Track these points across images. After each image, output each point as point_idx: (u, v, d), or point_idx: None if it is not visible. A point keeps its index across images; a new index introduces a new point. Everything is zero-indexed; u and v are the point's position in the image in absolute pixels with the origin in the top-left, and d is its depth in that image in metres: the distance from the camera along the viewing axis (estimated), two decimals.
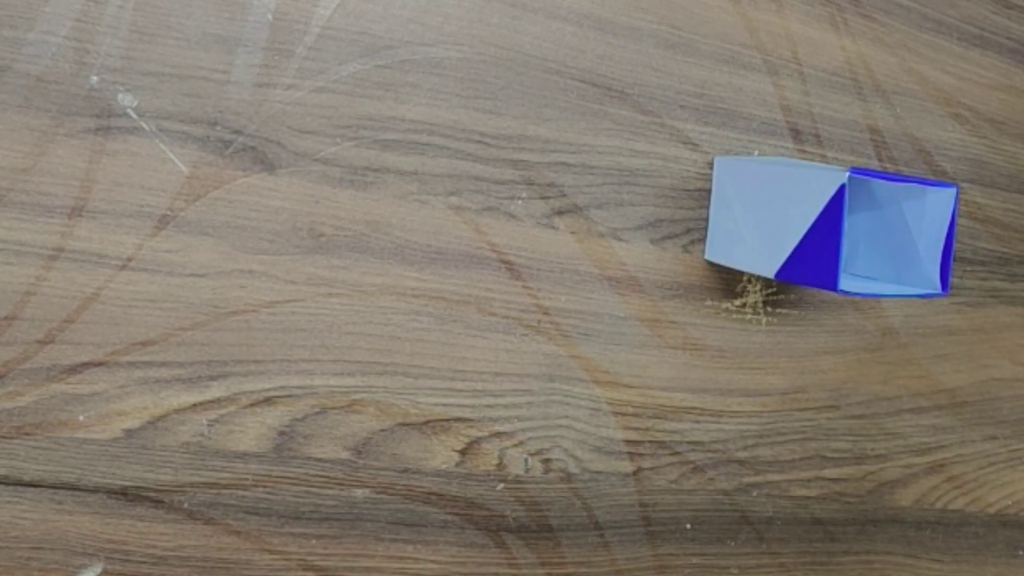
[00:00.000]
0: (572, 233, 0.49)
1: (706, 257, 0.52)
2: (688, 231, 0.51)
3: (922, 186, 0.44)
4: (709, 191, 0.51)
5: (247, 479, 0.44)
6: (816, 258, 0.43)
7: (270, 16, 0.42)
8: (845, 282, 0.44)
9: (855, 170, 0.42)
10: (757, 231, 0.48)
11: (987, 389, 0.61)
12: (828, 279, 0.43)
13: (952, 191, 0.44)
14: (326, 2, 0.43)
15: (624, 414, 0.51)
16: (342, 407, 0.45)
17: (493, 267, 0.47)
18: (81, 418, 0.41)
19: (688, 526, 0.54)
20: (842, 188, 0.42)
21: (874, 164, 0.56)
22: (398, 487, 0.47)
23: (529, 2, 0.47)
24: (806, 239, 0.44)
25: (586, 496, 0.51)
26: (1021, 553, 0.63)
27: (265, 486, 0.44)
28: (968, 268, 0.59)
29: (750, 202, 0.48)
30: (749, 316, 0.54)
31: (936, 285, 0.45)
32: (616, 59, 0.49)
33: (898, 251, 0.47)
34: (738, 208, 0.49)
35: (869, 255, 0.48)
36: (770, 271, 0.46)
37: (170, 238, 0.42)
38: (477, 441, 0.48)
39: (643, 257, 0.50)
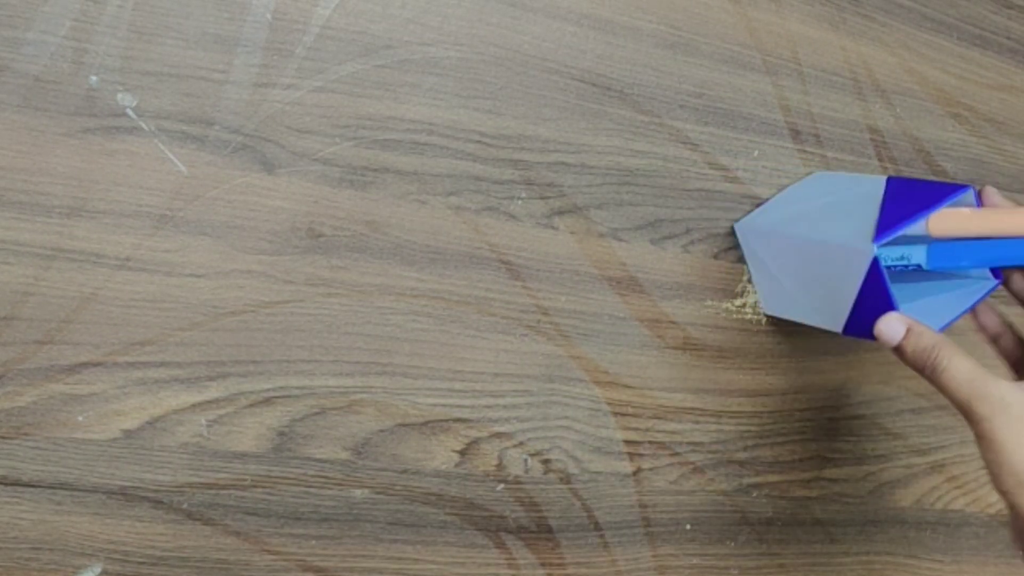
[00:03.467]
0: (572, 233, 0.49)
1: (765, 312, 0.52)
2: (688, 231, 0.51)
3: (939, 202, 0.44)
4: (709, 191, 0.51)
5: (246, 479, 0.44)
6: (874, 318, 0.43)
7: (269, 16, 0.42)
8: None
9: (879, 236, 0.41)
10: (806, 295, 0.47)
11: None
12: None
13: (968, 191, 0.44)
14: (325, 2, 0.43)
15: (624, 414, 0.51)
16: (341, 407, 0.45)
17: (493, 267, 0.47)
18: (80, 418, 0.41)
19: (688, 527, 0.54)
20: (875, 260, 0.41)
21: (874, 164, 0.56)
22: (397, 487, 0.47)
23: (529, 2, 0.47)
24: (859, 302, 0.43)
25: (586, 497, 0.51)
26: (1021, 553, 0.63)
27: (264, 486, 0.44)
28: None
29: (788, 270, 0.48)
30: (749, 316, 0.53)
31: (990, 276, 0.45)
32: (616, 59, 0.49)
33: (951, 290, 0.46)
34: (777, 272, 0.49)
35: (925, 302, 0.47)
36: (837, 328, 0.46)
37: (168, 238, 0.42)
38: (476, 442, 0.48)
39: (643, 257, 0.50)
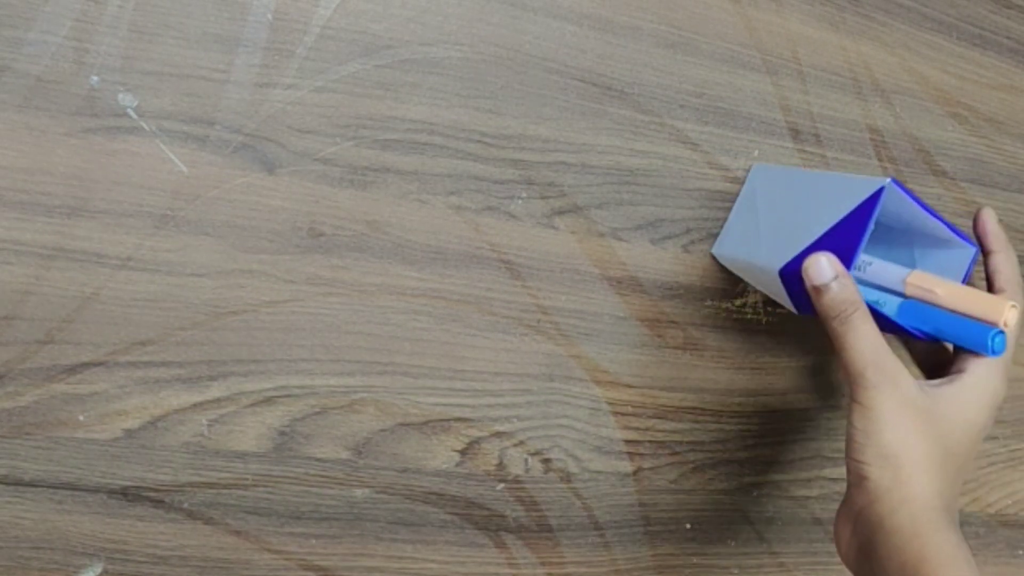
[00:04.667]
0: (572, 233, 0.49)
1: (712, 251, 0.51)
2: (688, 231, 0.51)
3: (946, 232, 0.43)
4: (709, 191, 0.51)
5: (247, 479, 0.44)
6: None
7: (270, 16, 0.42)
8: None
9: (896, 181, 0.41)
10: (775, 230, 0.47)
11: None
12: None
13: (972, 250, 0.44)
14: (326, 2, 0.43)
15: (624, 414, 0.51)
16: (342, 407, 0.45)
17: (493, 267, 0.47)
18: (81, 418, 0.41)
19: (688, 526, 0.54)
20: (878, 192, 0.41)
21: (874, 164, 0.56)
22: (398, 487, 0.47)
23: (529, 2, 0.47)
24: (823, 238, 0.43)
25: (586, 496, 0.51)
26: (1021, 553, 0.63)
27: (265, 486, 0.44)
28: None
29: (776, 203, 0.48)
30: (749, 316, 0.54)
31: None
32: (616, 58, 0.49)
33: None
34: (763, 210, 0.49)
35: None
36: (776, 265, 0.45)
37: (169, 238, 0.42)
38: (477, 441, 0.48)
39: (643, 257, 0.50)
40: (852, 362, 0.39)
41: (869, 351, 0.39)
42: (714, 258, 0.52)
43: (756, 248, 0.48)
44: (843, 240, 0.42)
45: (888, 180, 0.41)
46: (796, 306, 0.47)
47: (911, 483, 0.38)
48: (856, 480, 0.40)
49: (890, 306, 0.44)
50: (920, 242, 0.46)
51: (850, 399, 0.40)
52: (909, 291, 0.43)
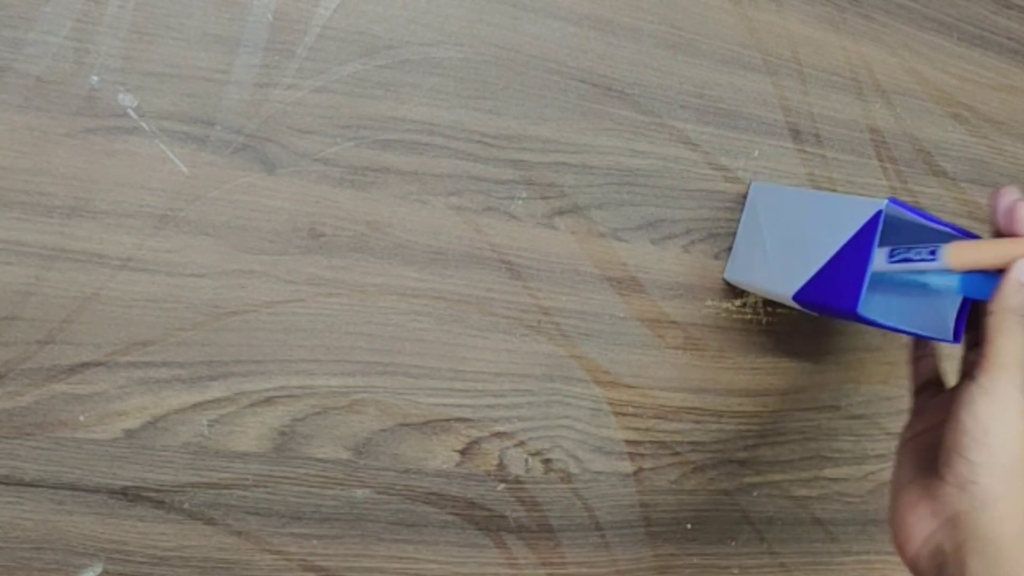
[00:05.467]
0: (572, 233, 0.49)
1: (725, 277, 0.52)
2: (688, 231, 0.51)
3: (954, 235, 0.43)
4: (709, 191, 0.51)
5: (247, 479, 0.44)
6: (838, 282, 0.43)
7: (270, 16, 0.42)
8: (864, 308, 0.43)
9: (894, 200, 0.42)
10: (782, 255, 0.47)
11: None
12: (848, 302, 0.42)
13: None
14: (326, 2, 0.43)
15: (625, 414, 0.51)
16: (342, 407, 0.45)
17: (493, 267, 0.47)
18: (81, 418, 0.41)
19: (689, 526, 0.54)
20: (878, 214, 0.41)
21: (874, 164, 0.56)
22: (398, 487, 0.47)
23: (529, 2, 0.47)
24: (831, 263, 0.43)
25: (587, 496, 0.51)
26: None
27: (266, 486, 0.44)
28: None
29: (780, 227, 0.48)
30: (749, 316, 0.54)
31: (949, 334, 0.45)
32: (616, 59, 0.49)
33: (915, 298, 0.46)
34: (767, 232, 0.49)
35: (885, 300, 0.47)
36: (789, 292, 0.46)
37: (170, 238, 0.42)
38: (477, 441, 0.48)
39: (643, 257, 0.50)
40: (1008, 353, 0.38)
41: None
42: (715, 259, 0.52)
43: (766, 273, 0.49)
44: (851, 262, 0.42)
45: (885, 202, 0.41)
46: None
47: (1022, 495, 0.37)
48: (958, 481, 0.38)
49: (949, 282, 0.43)
50: (932, 239, 0.46)
51: (979, 389, 0.38)
52: (955, 267, 0.42)
